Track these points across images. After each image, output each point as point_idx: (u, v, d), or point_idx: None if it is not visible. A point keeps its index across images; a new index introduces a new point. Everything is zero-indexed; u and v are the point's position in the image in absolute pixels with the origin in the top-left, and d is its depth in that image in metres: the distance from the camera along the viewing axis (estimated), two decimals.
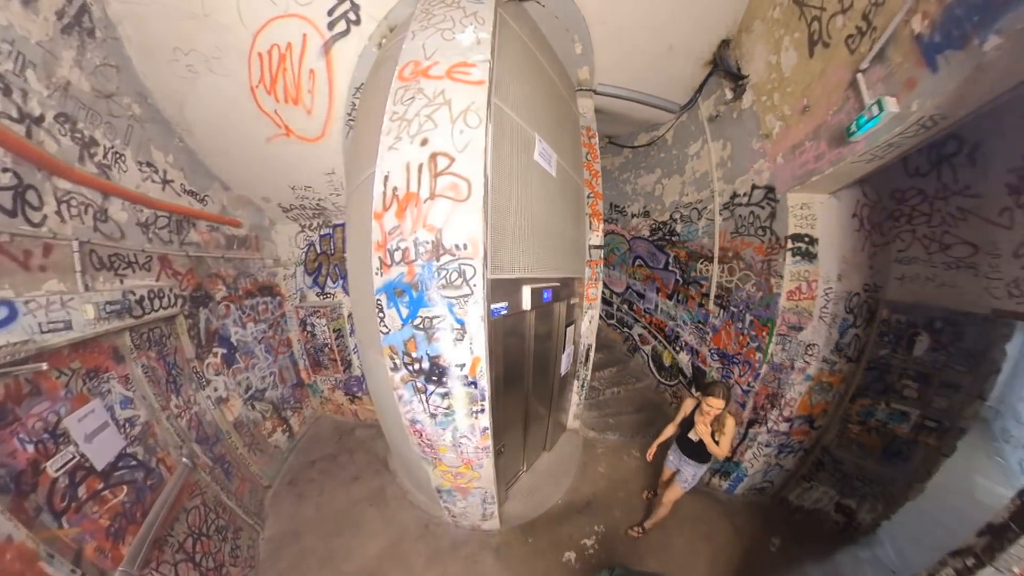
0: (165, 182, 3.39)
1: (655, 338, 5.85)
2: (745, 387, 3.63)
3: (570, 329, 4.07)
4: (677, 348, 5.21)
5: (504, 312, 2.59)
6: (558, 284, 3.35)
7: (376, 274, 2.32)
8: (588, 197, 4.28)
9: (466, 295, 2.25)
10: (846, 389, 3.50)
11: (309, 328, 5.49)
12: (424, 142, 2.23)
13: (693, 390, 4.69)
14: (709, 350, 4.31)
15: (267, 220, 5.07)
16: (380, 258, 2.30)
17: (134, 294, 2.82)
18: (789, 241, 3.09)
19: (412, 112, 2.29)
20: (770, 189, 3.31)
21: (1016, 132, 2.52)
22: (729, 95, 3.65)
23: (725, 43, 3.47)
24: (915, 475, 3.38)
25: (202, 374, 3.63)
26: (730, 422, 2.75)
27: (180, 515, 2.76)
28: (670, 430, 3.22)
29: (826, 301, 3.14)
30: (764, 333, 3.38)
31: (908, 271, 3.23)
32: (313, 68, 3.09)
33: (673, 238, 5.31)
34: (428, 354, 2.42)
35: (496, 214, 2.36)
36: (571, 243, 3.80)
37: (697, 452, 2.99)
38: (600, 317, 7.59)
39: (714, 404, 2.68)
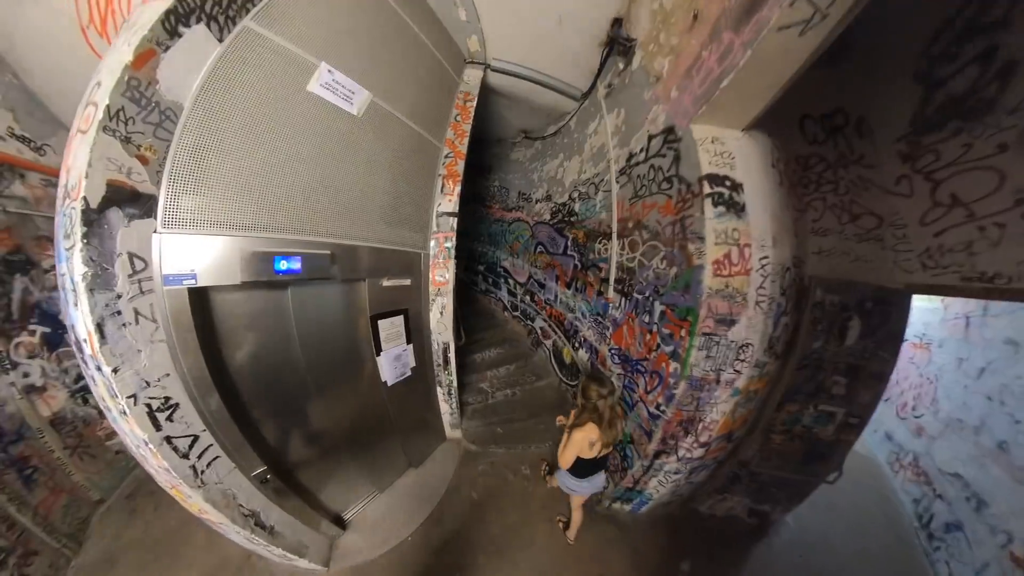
0: None
1: (555, 332, 4.93)
2: (654, 409, 2.66)
3: (392, 321, 3.03)
4: (576, 344, 4.30)
5: (190, 282, 1.77)
6: (328, 252, 2.34)
7: None
8: (446, 156, 3.45)
9: (71, 246, 1.50)
10: (770, 393, 2.73)
11: None
12: None
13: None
14: (609, 350, 3.36)
15: None
16: None
17: None
18: (706, 184, 2.15)
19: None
20: (669, 130, 2.49)
21: (893, 101, 2.39)
22: (621, 65, 3.18)
23: (617, 21, 3.11)
24: (828, 470, 3.12)
25: (4, 354, 2.77)
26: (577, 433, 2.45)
27: None
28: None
29: (763, 277, 2.22)
30: (683, 332, 2.36)
31: (824, 244, 2.64)
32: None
33: (571, 218, 4.47)
34: (72, 322, 1.60)
35: (193, 154, 1.73)
36: (392, 205, 2.90)
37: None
38: (505, 308, 6.56)
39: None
